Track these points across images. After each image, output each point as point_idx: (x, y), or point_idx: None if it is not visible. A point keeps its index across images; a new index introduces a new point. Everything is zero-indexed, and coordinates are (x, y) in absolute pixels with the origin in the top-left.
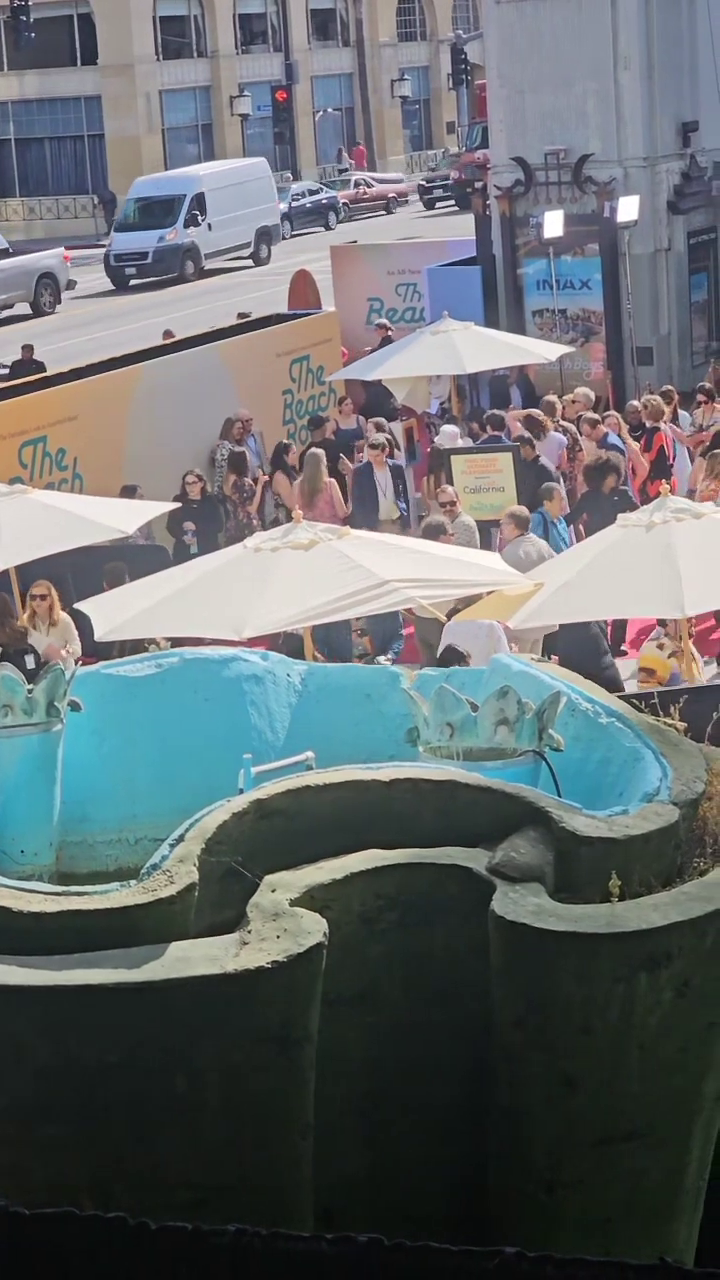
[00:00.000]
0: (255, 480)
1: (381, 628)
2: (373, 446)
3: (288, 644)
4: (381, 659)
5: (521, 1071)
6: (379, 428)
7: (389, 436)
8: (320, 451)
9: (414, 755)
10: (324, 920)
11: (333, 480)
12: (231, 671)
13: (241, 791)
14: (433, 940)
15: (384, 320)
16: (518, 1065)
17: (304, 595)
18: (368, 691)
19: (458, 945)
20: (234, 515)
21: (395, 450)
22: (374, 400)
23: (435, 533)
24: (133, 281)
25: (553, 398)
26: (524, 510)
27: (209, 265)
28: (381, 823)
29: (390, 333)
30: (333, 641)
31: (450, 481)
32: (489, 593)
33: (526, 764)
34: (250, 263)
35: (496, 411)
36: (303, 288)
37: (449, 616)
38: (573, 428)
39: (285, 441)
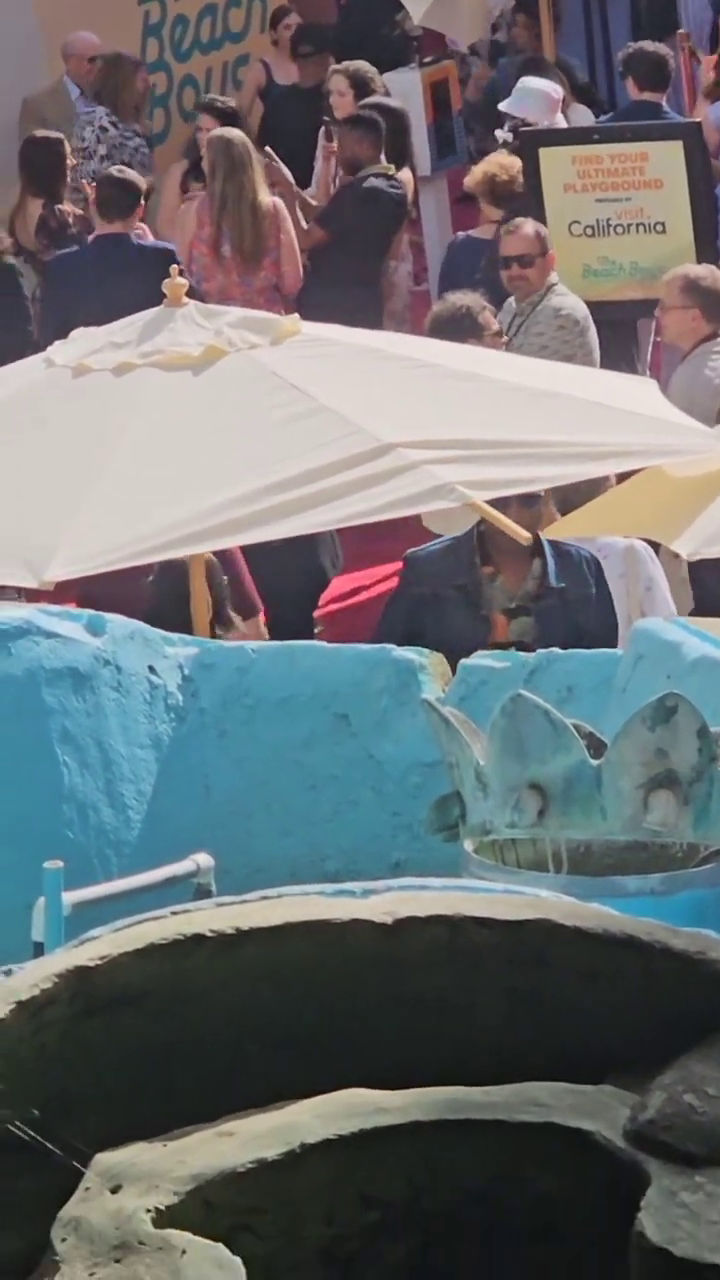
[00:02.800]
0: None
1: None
2: (351, 122)
3: (159, 588)
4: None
5: None
6: (359, 83)
7: (384, 101)
8: (240, 136)
9: (453, 860)
10: (238, 1261)
11: (279, 203)
12: (15, 662)
13: (39, 948)
14: None
15: None
16: None
17: (189, 480)
18: (343, 708)
19: None
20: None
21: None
22: (364, 20)
23: (455, 325)
24: None
25: None
26: (716, 278)
27: None
28: (373, 1022)
29: None
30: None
31: (537, 209)
32: (626, 475)
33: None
34: None
35: (650, 46)
36: None
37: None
38: None
39: (216, 98)
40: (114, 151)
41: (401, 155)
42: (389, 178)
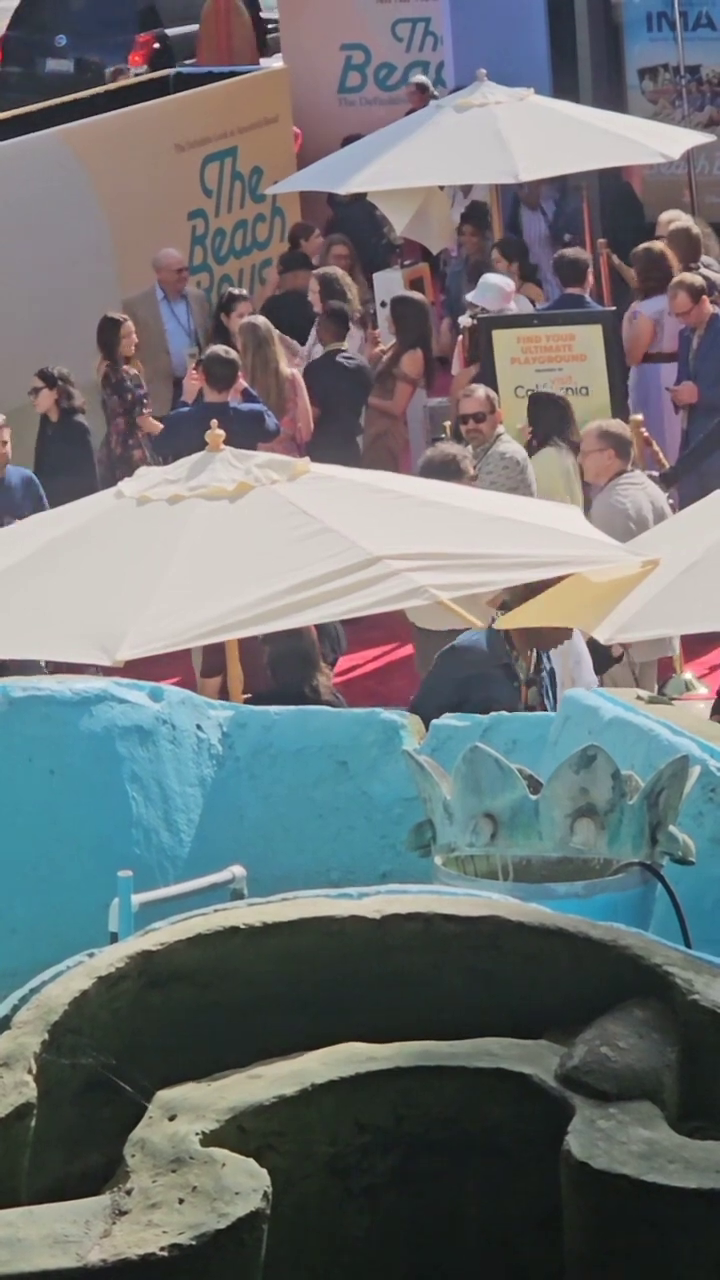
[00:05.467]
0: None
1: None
2: (326, 313)
3: (209, 665)
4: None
5: None
6: (325, 282)
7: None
8: (264, 321)
9: (426, 871)
10: (264, 1171)
11: (296, 374)
12: (95, 721)
13: (114, 937)
14: (459, 1206)
15: (423, 79)
16: None
17: (227, 583)
18: (343, 757)
19: (505, 1214)
20: (107, 441)
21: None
22: (352, 232)
23: (445, 469)
24: None
25: (682, 222)
26: (622, 428)
27: None
28: (367, 993)
29: (433, 95)
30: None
31: (489, 377)
32: (558, 579)
33: (629, 887)
34: None
35: (572, 253)
36: (223, 22)
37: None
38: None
39: (235, 291)
40: None
41: (426, 337)
42: (346, 355)
